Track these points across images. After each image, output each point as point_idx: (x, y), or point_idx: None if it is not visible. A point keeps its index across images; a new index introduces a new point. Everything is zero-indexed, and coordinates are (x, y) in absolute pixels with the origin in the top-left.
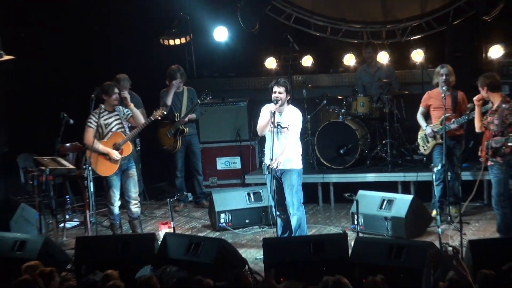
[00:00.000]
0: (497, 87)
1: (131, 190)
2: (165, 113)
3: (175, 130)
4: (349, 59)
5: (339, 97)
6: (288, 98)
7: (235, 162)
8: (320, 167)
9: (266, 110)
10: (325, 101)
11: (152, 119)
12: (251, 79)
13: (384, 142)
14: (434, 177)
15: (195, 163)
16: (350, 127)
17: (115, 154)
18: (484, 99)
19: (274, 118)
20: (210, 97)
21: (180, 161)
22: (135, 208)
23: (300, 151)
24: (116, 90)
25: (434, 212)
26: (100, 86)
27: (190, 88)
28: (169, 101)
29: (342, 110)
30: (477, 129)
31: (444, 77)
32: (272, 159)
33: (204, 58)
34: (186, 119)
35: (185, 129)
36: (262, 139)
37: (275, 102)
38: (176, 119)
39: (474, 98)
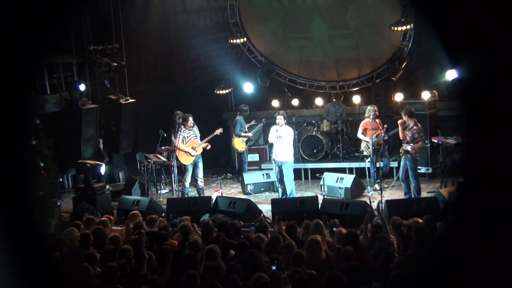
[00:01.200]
0: (412, 115)
1: (199, 174)
2: (222, 131)
3: (246, 140)
4: (319, 101)
5: (313, 122)
6: (285, 121)
7: (256, 157)
8: (303, 160)
9: (273, 130)
10: (305, 124)
11: (214, 134)
12: (264, 112)
13: (338, 146)
14: (371, 166)
15: (245, 158)
16: (319, 137)
17: (193, 152)
18: (404, 121)
19: (277, 133)
20: (265, 123)
21: (247, 156)
22: (200, 183)
23: (292, 151)
24: (191, 118)
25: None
26: (182, 116)
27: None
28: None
29: (315, 129)
30: (401, 137)
31: (373, 112)
32: (276, 155)
33: (238, 101)
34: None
35: (252, 139)
36: (271, 145)
37: (278, 125)
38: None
39: (399, 122)
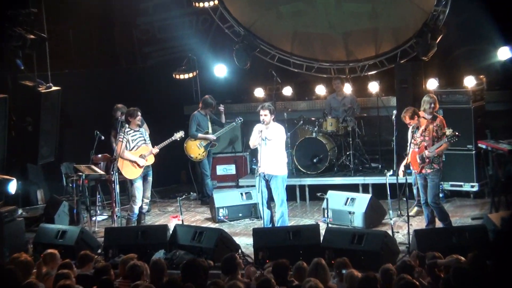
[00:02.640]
0: (414, 115)
1: (146, 190)
2: (183, 135)
3: (206, 143)
4: (320, 89)
5: (313, 119)
6: (273, 117)
7: (231, 169)
8: (298, 173)
9: (256, 130)
10: (301, 122)
11: (172, 139)
12: (243, 105)
13: (348, 153)
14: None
15: (205, 170)
16: (321, 141)
17: (142, 162)
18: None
19: (261, 134)
20: (241, 122)
21: (208, 165)
22: (145, 206)
23: (285, 159)
24: (139, 113)
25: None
26: (127, 110)
27: (211, 114)
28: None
29: (315, 129)
30: (411, 147)
31: (430, 105)
32: (260, 166)
33: (207, 89)
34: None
35: (216, 143)
36: (253, 151)
37: (262, 122)
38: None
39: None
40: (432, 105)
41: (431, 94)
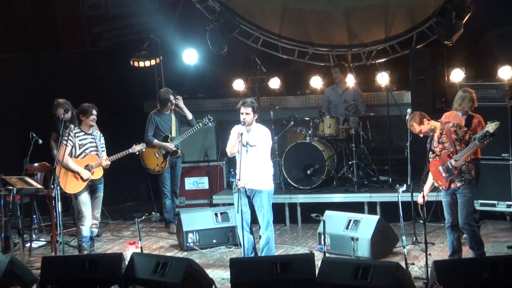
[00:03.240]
0: (422, 120)
1: (95, 209)
2: (143, 149)
3: (166, 151)
4: (316, 81)
5: (306, 119)
6: (256, 117)
7: (203, 182)
8: (287, 188)
9: (234, 131)
10: (292, 123)
11: (130, 152)
12: (219, 101)
13: (350, 163)
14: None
15: (175, 185)
16: (317, 148)
17: (86, 175)
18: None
19: (241, 138)
20: (213, 123)
21: (169, 181)
22: (95, 229)
23: (270, 171)
24: (95, 112)
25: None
26: (80, 107)
27: (177, 110)
28: (188, 115)
29: (309, 131)
30: (432, 156)
31: (470, 103)
32: (239, 179)
33: (173, 80)
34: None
35: (178, 151)
36: (231, 160)
37: (242, 123)
38: (168, 140)
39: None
40: (472, 103)
41: (468, 88)
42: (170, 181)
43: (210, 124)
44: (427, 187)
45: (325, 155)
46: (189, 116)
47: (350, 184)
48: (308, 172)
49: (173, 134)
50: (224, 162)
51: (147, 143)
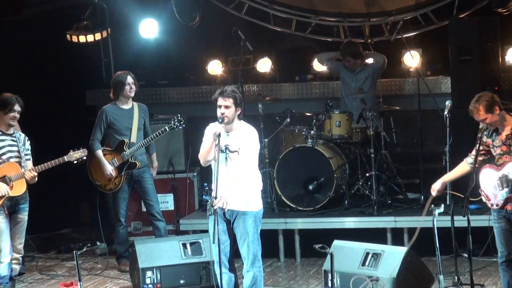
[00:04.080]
0: (493, 106)
1: (15, 240)
2: (84, 158)
3: (121, 162)
4: (319, 64)
5: (308, 114)
6: (239, 112)
7: (167, 202)
8: (282, 209)
9: (209, 132)
10: (288, 119)
11: (66, 160)
12: (189, 89)
13: (368, 175)
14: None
15: (151, 205)
16: (322, 154)
17: (3, 189)
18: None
19: (219, 141)
20: (184, 126)
21: (124, 203)
22: (15, 263)
23: (259, 185)
24: (17, 108)
25: None
26: None
27: (142, 105)
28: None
29: (312, 132)
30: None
31: None
32: (215, 197)
33: (126, 61)
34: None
35: (137, 162)
36: (204, 170)
37: (220, 120)
38: (124, 148)
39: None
40: None
41: None
42: (143, 201)
43: (180, 127)
44: (449, 177)
45: (333, 164)
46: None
47: (367, 204)
48: (310, 187)
49: (133, 137)
50: (195, 174)
51: (92, 148)
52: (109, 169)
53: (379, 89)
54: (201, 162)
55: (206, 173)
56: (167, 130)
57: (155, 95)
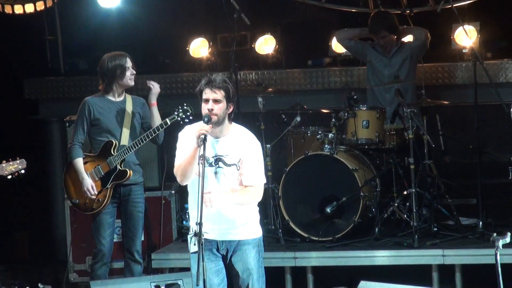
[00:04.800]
0: None
1: None
2: (22, 171)
3: (107, 170)
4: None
5: (324, 111)
6: (230, 109)
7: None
8: (290, 239)
9: (189, 135)
10: (298, 118)
11: None
12: (164, 78)
13: (406, 193)
14: None
15: (132, 239)
16: (345, 165)
17: None
18: None
19: (204, 148)
20: (191, 118)
21: (108, 231)
22: None
23: (254, 207)
24: None
25: None
26: None
27: (138, 98)
28: (156, 120)
29: (330, 135)
30: None
31: None
32: (200, 223)
33: (79, 39)
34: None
35: (127, 171)
36: (184, 189)
37: (206, 119)
38: (112, 151)
39: None
40: None
41: None
42: (123, 230)
43: (186, 120)
44: None
45: (358, 178)
46: (156, 121)
47: (405, 232)
48: (328, 210)
49: (124, 139)
50: (172, 192)
51: (69, 158)
52: (88, 183)
53: (421, 77)
54: (179, 179)
55: (186, 192)
56: (168, 123)
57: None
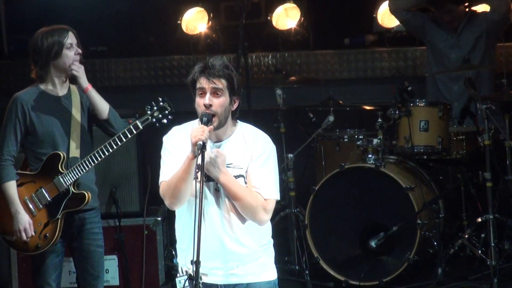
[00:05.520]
0: None
1: None
2: None
3: (55, 194)
4: (390, 15)
5: (367, 108)
6: (236, 105)
7: (106, 270)
8: (320, 284)
9: (177, 141)
10: (331, 118)
11: None
12: (148, 62)
13: (480, 220)
14: None
15: (91, 283)
16: (395, 182)
17: None
18: None
19: (203, 159)
20: (171, 118)
21: (55, 274)
22: None
23: (268, 235)
24: None
25: None
26: None
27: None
28: (100, 103)
29: (375, 141)
30: None
31: None
32: (197, 261)
33: (30, 12)
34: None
35: (85, 194)
36: (172, 215)
37: (204, 119)
38: (59, 167)
39: None
40: None
41: None
42: (78, 273)
43: (164, 120)
44: None
45: (414, 200)
46: (101, 105)
47: (479, 274)
48: (372, 244)
49: (73, 149)
50: (158, 219)
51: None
52: (23, 221)
53: (501, 61)
54: (167, 201)
55: (171, 219)
56: (140, 127)
57: (86, 71)
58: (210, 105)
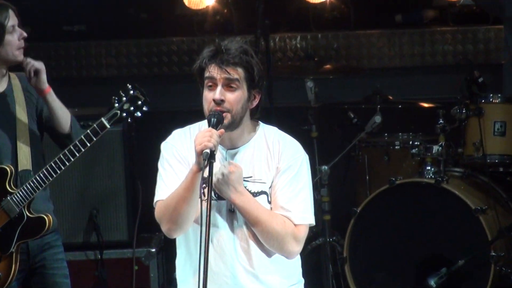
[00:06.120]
0: None
1: None
2: None
3: (5, 222)
4: None
5: (424, 105)
6: (256, 101)
7: None
8: None
9: (179, 149)
10: (377, 118)
11: None
12: (139, 45)
13: None
14: None
15: None
16: (462, 202)
17: None
18: None
19: (211, 172)
20: (146, 110)
21: None
22: None
23: (298, 268)
24: None
25: None
26: None
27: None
28: (53, 103)
29: (435, 148)
30: None
31: None
32: None
33: None
34: None
35: (45, 218)
36: (172, 244)
37: (213, 119)
38: (7, 186)
39: None
40: None
41: None
42: None
43: (138, 113)
44: None
45: (486, 225)
46: (62, 116)
47: None
48: (432, 282)
49: (23, 157)
50: (152, 251)
51: None
52: None
53: None
54: (165, 227)
55: (174, 249)
56: (107, 126)
57: (68, 58)
58: (222, 101)
